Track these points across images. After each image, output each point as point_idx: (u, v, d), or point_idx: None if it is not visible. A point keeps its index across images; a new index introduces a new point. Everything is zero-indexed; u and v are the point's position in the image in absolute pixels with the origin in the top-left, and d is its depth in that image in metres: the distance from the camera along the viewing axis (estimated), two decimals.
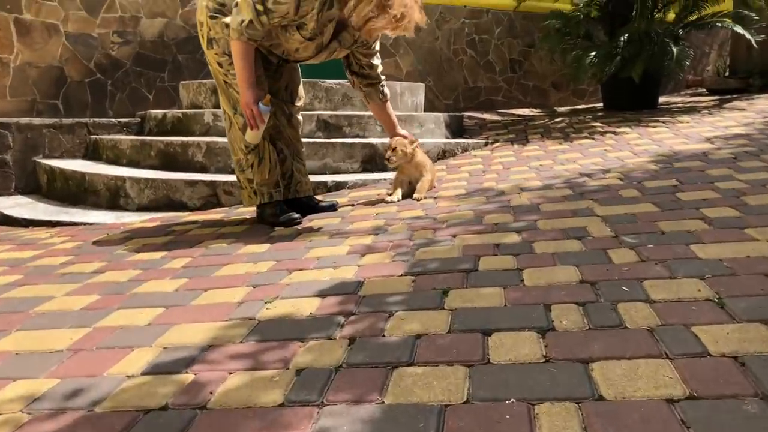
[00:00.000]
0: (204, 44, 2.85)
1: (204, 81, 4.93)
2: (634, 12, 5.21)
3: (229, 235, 2.80)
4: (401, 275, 1.90)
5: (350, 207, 3.16)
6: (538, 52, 6.71)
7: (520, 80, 6.70)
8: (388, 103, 3.16)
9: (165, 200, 3.76)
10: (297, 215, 2.92)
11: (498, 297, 1.64)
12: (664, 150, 3.72)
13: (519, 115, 6.19)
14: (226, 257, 2.37)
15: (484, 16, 6.45)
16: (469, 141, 4.72)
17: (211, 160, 4.09)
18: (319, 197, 3.43)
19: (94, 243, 2.88)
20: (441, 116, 5.01)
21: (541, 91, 6.84)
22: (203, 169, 4.10)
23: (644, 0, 5.10)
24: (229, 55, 2.74)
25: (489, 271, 1.85)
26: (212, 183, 3.71)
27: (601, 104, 6.79)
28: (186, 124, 4.59)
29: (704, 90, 7.17)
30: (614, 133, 4.64)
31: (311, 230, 2.72)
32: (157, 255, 2.52)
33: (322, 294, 1.80)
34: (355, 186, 3.82)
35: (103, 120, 4.91)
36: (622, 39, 5.43)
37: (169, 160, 4.19)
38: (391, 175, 3.89)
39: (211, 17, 2.76)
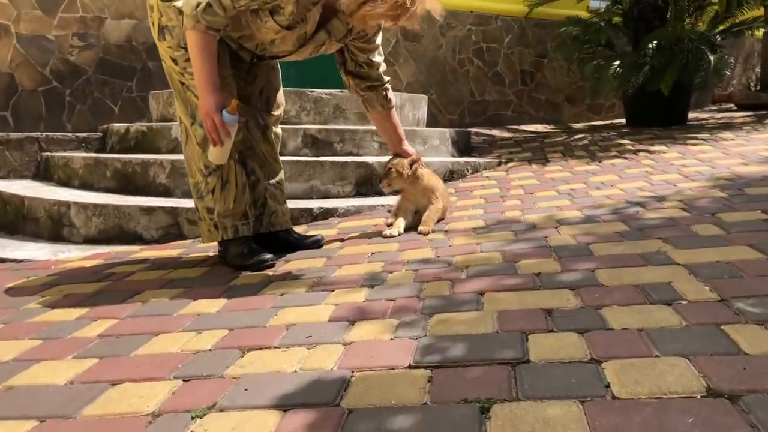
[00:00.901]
0: (155, 34, 2.22)
1: None
2: (668, 14, 4.61)
3: (179, 282, 2.13)
4: (409, 367, 1.23)
5: (339, 243, 2.49)
6: (552, 62, 6.11)
7: (531, 93, 6.09)
8: (393, 111, 2.53)
9: (116, 231, 3.09)
10: (269, 256, 2.26)
11: (576, 423, 0.97)
12: (721, 172, 3.08)
13: (532, 132, 5.57)
14: (163, 320, 1.70)
15: (493, 22, 5.85)
16: (480, 160, 4.08)
17: (176, 181, 3.43)
18: (300, 229, 2.77)
19: (6, 291, 2.21)
20: (447, 132, 4.38)
21: (554, 106, 6.22)
22: (166, 193, 3.44)
23: (679, 2, 4.49)
24: (186, 49, 2.11)
25: (548, 365, 1.18)
26: (173, 210, 3.05)
27: (621, 120, 6.18)
28: (151, 140, 3.94)
29: (732, 105, 6.57)
30: (648, 151, 4.00)
31: (285, 277, 2.05)
32: (74, 314, 1.84)
33: (285, 404, 1.13)
34: (347, 214, 3.16)
35: (59, 134, 4.26)
36: (650, 47, 4.83)
37: (127, 182, 3.53)
38: (391, 201, 3.23)
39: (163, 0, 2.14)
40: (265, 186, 2.52)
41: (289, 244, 2.53)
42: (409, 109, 4.63)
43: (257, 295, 1.87)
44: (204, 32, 2.02)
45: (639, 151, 4.05)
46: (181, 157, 3.51)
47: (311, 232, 2.64)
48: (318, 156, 3.80)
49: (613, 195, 2.82)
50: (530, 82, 6.08)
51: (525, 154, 4.41)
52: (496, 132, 5.62)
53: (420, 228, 2.50)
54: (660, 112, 5.14)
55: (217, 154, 2.16)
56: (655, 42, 4.82)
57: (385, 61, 2.53)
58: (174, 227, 3.06)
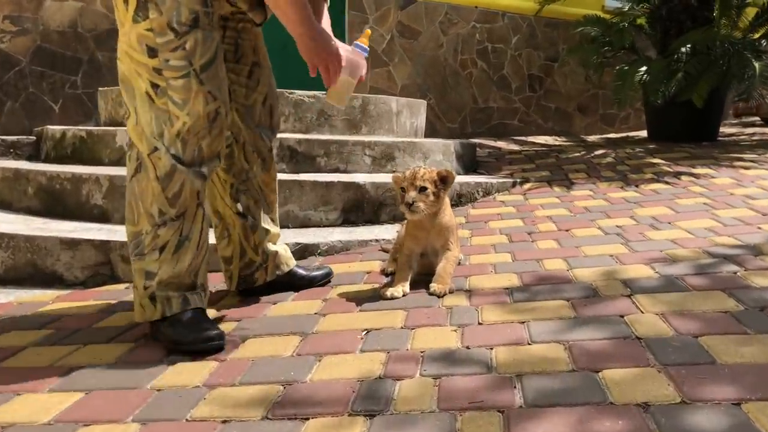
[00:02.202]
0: (125, 13, 1.55)
1: None
2: (714, 13, 3.97)
3: (79, 375, 1.41)
4: None
5: (321, 303, 1.79)
6: (563, 67, 5.46)
7: (540, 101, 5.44)
8: None
9: (29, 269, 2.37)
10: (217, 332, 1.55)
11: None
12: None
13: (543, 145, 4.91)
14: None
15: (499, 20, 5.19)
16: (492, 180, 3.40)
17: (115, 203, 2.71)
18: (303, 263, 2.14)
19: None
20: (451, 145, 3.70)
21: (564, 115, 5.58)
22: (102, 217, 2.71)
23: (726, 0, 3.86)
24: (177, 30, 1.51)
25: None
26: (104, 245, 2.33)
27: (640, 133, 5.56)
28: (91, 148, 3.21)
29: (758, 119, 5.99)
30: (693, 175, 3.36)
31: (232, 380, 1.35)
32: None
33: None
34: (331, 251, 2.46)
35: None
36: (683, 51, 4.20)
37: (54, 202, 2.80)
38: (388, 233, 2.54)
39: None
40: (266, 230, 1.91)
41: (296, 284, 1.97)
42: (407, 116, 3.95)
43: (182, 422, 1.16)
44: None
45: (680, 174, 3.40)
46: (123, 171, 2.79)
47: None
48: (297, 173, 3.09)
49: (681, 240, 2.15)
50: (539, 88, 5.43)
51: (542, 173, 3.74)
52: (502, 144, 4.95)
53: (433, 287, 1.80)
54: (689, 126, 4.51)
55: (341, 93, 1.76)
56: (689, 46, 4.19)
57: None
58: (104, 267, 2.35)
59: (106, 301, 2.02)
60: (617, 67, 4.46)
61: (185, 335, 1.54)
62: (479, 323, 1.53)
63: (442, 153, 3.62)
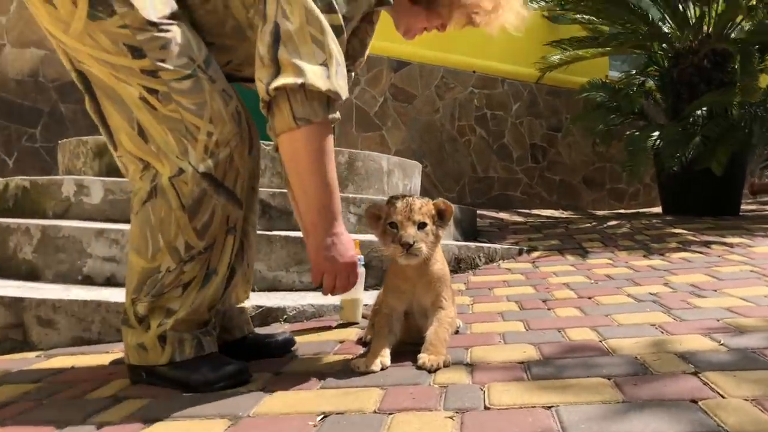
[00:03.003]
0: (69, 11, 1.23)
1: (85, 138, 3.19)
2: (736, 65, 3.69)
3: None
4: None
5: (270, 376, 1.32)
6: (567, 137, 5.18)
7: (543, 172, 5.12)
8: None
9: None
10: (235, 366, 1.31)
11: None
12: None
13: (549, 217, 4.53)
14: None
15: (498, 86, 4.96)
16: (495, 246, 2.98)
17: (47, 258, 2.27)
18: (264, 332, 1.69)
19: None
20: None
21: (570, 188, 5.24)
22: (32, 275, 2.27)
23: (748, 54, 3.59)
24: (157, 24, 1.23)
25: None
26: (16, 303, 1.88)
27: (652, 209, 5.19)
28: (35, 199, 2.80)
29: None
30: (724, 243, 2.94)
31: None
32: None
33: None
34: (300, 317, 1.99)
35: None
36: (699, 113, 3.90)
37: None
38: (372, 299, 2.07)
39: None
40: (240, 276, 1.53)
41: (245, 351, 1.50)
42: (399, 177, 3.57)
43: None
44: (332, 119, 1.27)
45: (709, 243, 2.98)
46: (62, 223, 2.37)
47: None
48: (270, 230, 2.67)
49: (739, 308, 1.69)
50: (542, 158, 5.11)
51: (551, 242, 3.32)
52: (504, 215, 4.56)
53: (422, 358, 1.33)
54: (708, 198, 4.14)
55: (355, 308, 1.87)
56: (705, 109, 3.89)
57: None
58: (15, 330, 1.89)
59: (5, 370, 1.54)
60: (627, 133, 4.15)
61: (205, 375, 1.27)
62: (486, 407, 1.06)
63: None
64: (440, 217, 1.46)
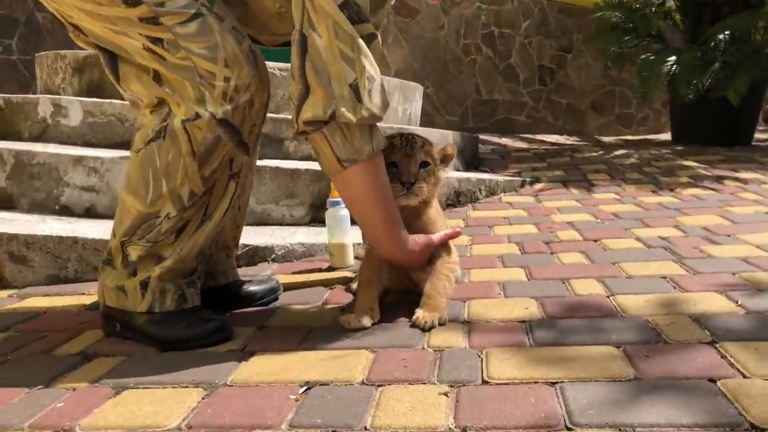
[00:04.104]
0: None
1: (63, 52, 2.98)
2: None
3: None
4: None
5: (243, 345, 1.23)
6: (578, 59, 4.91)
7: (550, 96, 4.89)
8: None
9: None
10: (216, 322, 1.23)
11: None
12: None
13: (554, 144, 4.36)
14: None
15: (508, 2, 4.64)
16: (497, 178, 2.84)
17: (22, 186, 2.15)
18: (251, 272, 1.63)
19: None
20: (450, 136, 3.14)
21: (577, 114, 5.03)
22: (6, 204, 2.15)
23: None
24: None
25: None
26: None
27: (661, 136, 5.02)
28: (9, 120, 2.63)
29: None
30: (737, 179, 2.81)
31: None
32: None
33: None
34: (289, 256, 1.90)
35: None
36: (720, 38, 3.66)
37: None
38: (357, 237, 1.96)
39: None
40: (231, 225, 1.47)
41: (228, 301, 1.42)
42: (399, 100, 3.39)
43: None
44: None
45: (722, 178, 2.85)
46: (36, 147, 2.22)
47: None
48: (261, 158, 2.53)
49: (756, 259, 1.58)
50: (550, 81, 4.87)
51: (555, 173, 3.19)
52: (507, 141, 4.40)
53: (418, 315, 1.23)
54: (720, 127, 3.96)
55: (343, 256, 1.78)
56: (728, 33, 3.64)
57: None
58: None
59: None
60: (642, 57, 3.92)
61: (182, 332, 1.19)
62: (484, 381, 0.97)
63: (439, 143, 3.05)
64: (443, 160, 1.38)
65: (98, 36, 1.16)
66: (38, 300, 1.58)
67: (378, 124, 1.22)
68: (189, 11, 1.10)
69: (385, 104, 1.16)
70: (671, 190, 2.66)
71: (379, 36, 1.18)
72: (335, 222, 1.74)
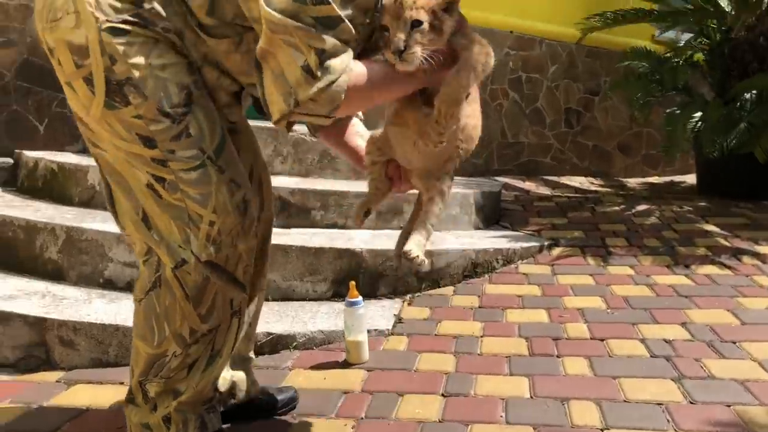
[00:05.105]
0: (88, 96, 1.20)
1: None
2: None
3: None
4: None
5: None
6: (605, 101, 4.94)
7: (576, 137, 4.93)
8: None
9: None
10: None
11: None
12: None
13: (577, 190, 4.41)
14: None
15: (537, 47, 4.70)
16: (515, 246, 2.93)
17: (71, 260, 2.34)
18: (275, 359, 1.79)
19: None
20: (471, 195, 3.24)
21: (603, 154, 5.06)
22: (57, 275, 2.35)
23: None
24: (171, 115, 1.19)
25: None
26: (39, 323, 1.96)
27: (686, 178, 5.02)
28: (62, 183, 2.85)
29: None
30: (755, 254, 2.85)
31: None
32: None
33: None
34: (310, 344, 2.03)
35: None
36: (746, 97, 3.67)
37: (8, 251, 2.44)
38: (385, 314, 2.06)
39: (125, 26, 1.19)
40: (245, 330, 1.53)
41: (253, 410, 1.58)
42: None
43: None
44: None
45: (740, 252, 2.88)
46: (86, 225, 2.40)
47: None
48: (289, 227, 2.68)
49: (754, 384, 1.65)
50: (576, 123, 4.92)
51: (574, 233, 3.25)
52: (531, 185, 4.47)
53: (408, 247, 1.25)
54: (747, 181, 3.96)
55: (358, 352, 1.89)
56: (755, 92, 3.66)
57: None
58: (38, 348, 1.98)
59: (23, 402, 1.63)
60: (668, 111, 3.95)
61: None
62: None
63: (459, 205, 3.17)
64: (446, 8, 1.18)
65: (112, 167, 1.26)
66: (83, 389, 1.75)
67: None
68: (194, 162, 1.21)
69: (341, 66, 1.12)
70: (687, 266, 2.72)
71: (344, 18, 1.12)
72: (352, 320, 1.87)
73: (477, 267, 2.72)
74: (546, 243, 3.09)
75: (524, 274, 2.72)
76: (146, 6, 1.17)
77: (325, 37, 1.10)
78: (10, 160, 3.32)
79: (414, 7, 1.14)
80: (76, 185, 2.78)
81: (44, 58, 3.53)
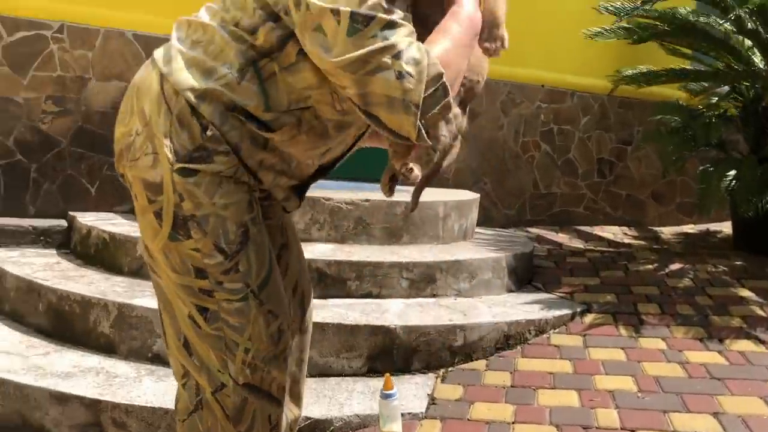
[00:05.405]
0: (155, 229, 1.32)
1: None
2: None
3: None
4: None
5: None
6: (638, 150, 4.96)
7: (609, 187, 4.95)
8: None
9: (17, 418, 2.20)
10: None
11: None
12: None
13: (610, 243, 4.43)
14: None
15: (568, 99, 4.76)
16: (546, 315, 2.95)
17: (122, 334, 2.49)
18: None
19: None
20: (502, 259, 3.30)
21: (636, 203, 5.07)
22: (109, 348, 2.51)
23: None
24: (226, 251, 1.30)
25: None
26: (95, 405, 2.11)
27: (721, 226, 4.98)
28: (113, 253, 3.02)
29: None
30: None
31: None
32: None
33: None
34: (347, 428, 2.12)
35: (11, 224, 3.42)
36: None
37: (64, 323, 2.62)
38: (419, 392, 2.14)
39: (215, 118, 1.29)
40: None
41: None
42: (455, 219, 3.58)
43: None
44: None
45: None
46: (136, 301, 2.55)
47: None
48: (325, 298, 2.79)
49: None
50: (609, 173, 4.94)
51: (607, 297, 3.28)
52: (563, 237, 4.50)
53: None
54: None
55: None
56: None
57: None
58: (94, 428, 2.13)
59: None
60: (701, 168, 3.96)
61: None
62: None
63: (491, 270, 3.24)
64: None
65: (163, 293, 1.36)
66: None
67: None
68: (239, 295, 1.30)
69: (427, 64, 1.17)
70: (720, 340, 2.72)
71: (397, 18, 1.18)
72: (387, 411, 1.96)
73: (509, 339, 2.78)
74: (578, 309, 3.12)
75: (556, 346, 2.76)
76: (208, 133, 1.26)
77: (393, 40, 1.15)
78: (65, 223, 3.53)
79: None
80: (126, 255, 2.94)
81: (97, 125, 3.76)
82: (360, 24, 1.15)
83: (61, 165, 3.70)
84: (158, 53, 1.33)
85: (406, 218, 3.30)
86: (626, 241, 4.53)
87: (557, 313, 3.01)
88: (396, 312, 2.68)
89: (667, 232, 4.92)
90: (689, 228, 5.07)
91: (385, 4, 1.17)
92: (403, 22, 1.18)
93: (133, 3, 3.74)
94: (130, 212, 3.68)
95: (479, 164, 4.51)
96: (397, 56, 1.15)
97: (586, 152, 4.87)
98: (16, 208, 3.60)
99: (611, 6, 3.96)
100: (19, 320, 2.73)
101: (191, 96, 1.26)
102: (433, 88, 1.17)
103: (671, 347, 2.69)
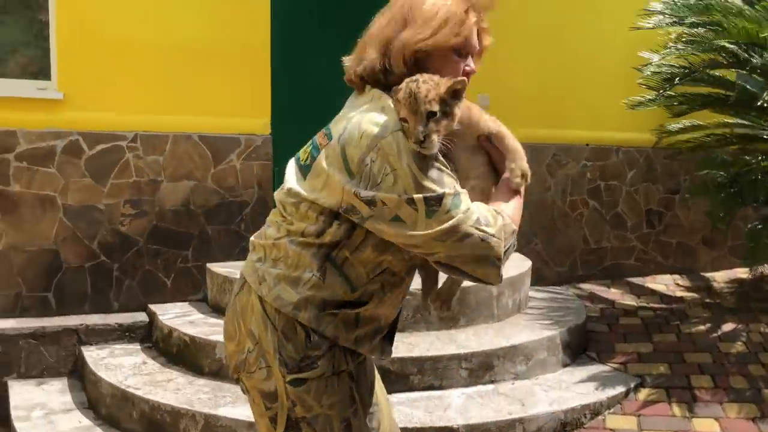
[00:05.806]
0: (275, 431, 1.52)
1: (233, 268, 3.67)
2: None
3: None
4: None
5: None
6: (686, 201, 4.99)
7: (659, 237, 5.01)
8: None
9: None
10: None
11: None
12: None
13: (662, 297, 4.49)
14: None
15: (613, 156, 4.86)
16: (601, 397, 3.08)
17: None
18: None
19: None
20: (557, 336, 3.45)
21: (687, 250, 5.10)
22: None
23: None
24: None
25: None
26: None
27: None
28: (194, 354, 3.32)
29: None
30: None
31: None
32: None
33: None
34: None
35: (99, 322, 3.77)
36: None
37: (156, 431, 2.90)
38: None
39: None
40: None
41: None
42: (509, 295, 3.75)
43: None
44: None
45: None
46: (221, 411, 2.82)
47: None
48: (390, 393, 2.99)
49: None
50: (658, 223, 5.00)
51: (660, 369, 3.38)
52: (615, 293, 4.58)
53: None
54: None
55: None
56: None
57: None
58: None
59: None
60: (749, 226, 4.00)
61: None
62: None
63: (546, 350, 3.39)
64: (453, 95, 1.34)
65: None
66: None
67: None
68: None
69: (503, 224, 1.36)
70: None
71: (458, 186, 1.36)
72: None
73: (566, 426, 2.92)
74: (632, 385, 3.23)
75: (611, 430, 2.89)
76: (312, 340, 1.43)
77: (465, 209, 1.32)
78: (146, 317, 3.87)
79: (427, 101, 1.29)
80: (206, 357, 3.23)
81: (170, 222, 4.11)
82: (435, 206, 1.33)
83: (139, 262, 4.05)
84: (250, 277, 1.56)
85: (462, 302, 3.49)
86: (678, 294, 4.58)
87: (611, 392, 3.14)
88: (457, 407, 2.87)
89: (719, 279, 4.93)
90: (742, 272, 5.06)
91: (442, 167, 1.35)
92: (461, 189, 1.36)
93: (198, 107, 4.08)
94: (202, 300, 4.02)
95: (530, 226, 4.65)
96: (477, 223, 1.33)
97: (634, 205, 4.94)
98: (103, 305, 3.97)
99: (649, 72, 4.03)
100: (115, 425, 3.05)
101: (289, 309, 1.45)
102: (510, 243, 1.39)
103: (723, 427, 2.78)
